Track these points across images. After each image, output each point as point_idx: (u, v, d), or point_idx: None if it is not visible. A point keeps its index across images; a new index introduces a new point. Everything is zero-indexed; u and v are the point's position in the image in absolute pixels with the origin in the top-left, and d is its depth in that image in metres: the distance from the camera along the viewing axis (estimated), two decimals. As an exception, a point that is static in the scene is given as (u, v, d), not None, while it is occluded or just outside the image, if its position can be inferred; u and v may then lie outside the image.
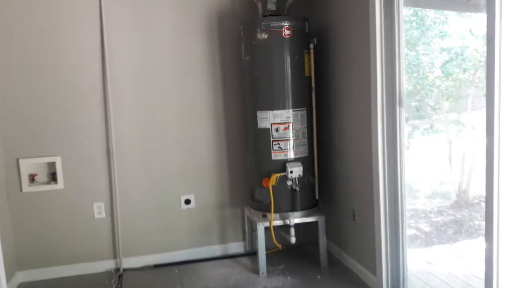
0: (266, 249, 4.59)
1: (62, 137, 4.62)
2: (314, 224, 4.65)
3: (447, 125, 4.34)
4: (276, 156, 4.49)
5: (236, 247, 5.16)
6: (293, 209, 4.56)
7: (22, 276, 4.68)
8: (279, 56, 4.44)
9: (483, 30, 2.83)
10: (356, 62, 4.18)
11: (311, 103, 4.60)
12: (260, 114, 4.49)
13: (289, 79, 4.44)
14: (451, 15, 4.04)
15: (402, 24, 3.70)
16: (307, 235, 4.99)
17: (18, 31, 4.44)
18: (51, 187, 4.66)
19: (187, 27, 4.79)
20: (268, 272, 4.59)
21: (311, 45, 4.53)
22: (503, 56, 2.74)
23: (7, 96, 4.48)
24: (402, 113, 3.78)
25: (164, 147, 4.85)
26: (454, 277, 4.04)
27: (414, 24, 4.19)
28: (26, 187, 4.61)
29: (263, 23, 4.39)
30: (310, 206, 4.67)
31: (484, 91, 2.85)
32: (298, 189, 4.50)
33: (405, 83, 3.79)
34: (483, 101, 2.87)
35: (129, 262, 4.85)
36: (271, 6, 4.55)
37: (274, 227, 4.54)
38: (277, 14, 4.54)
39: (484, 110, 2.86)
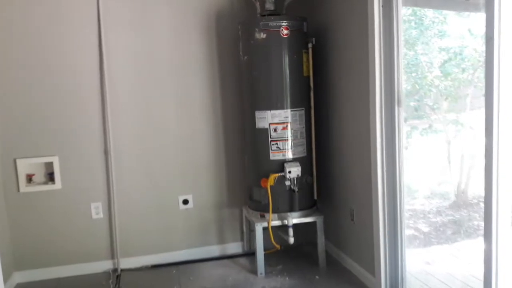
0: (264, 250, 4.58)
1: (59, 137, 4.61)
2: (312, 225, 4.64)
3: (446, 125, 4.33)
4: (274, 156, 4.48)
5: (234, 247, 5.15)
6: (291, 209, 4.55)
7: (20, 277, 4.67)
8: (277, 56, 4.43)
9: (482, 29, 2.82)
10: (354, 62, 4.17)
11: (309, 103, 4.59)
12: (258, 114, 4.48)
13: (287, 79, 4.43)
14: (450, 14, 4.03)
15: (400, 23, 3.69)
16: (305, 236, 4.98)
17: (16, 31, 4.43)
18: (49, 187, 4.64)
19: (185, 27, 4.78)
20: (266, 272, 4.58)
21: (310, 45, 4.52)
22: (502, 56, 2.73)
23: (4, 96, 4.46)
24: (401, 113, 3.78)
25: (162, 147, 4.84)
26: (453, 277, 4.04)
27: (412, 23, 4.18)
28: (24, 187, 4.60)
29: (261, 23, 4.38)
30: (308, 206, 4.66)
31: (483, 91, 2.84)
32: (297, 189, 4.49)
33: (403, 83, 3.78)
34: (482, 101, 2.86)
35: (127, 262, 4.84)
36: (269, 6, 4.54)
37: (272, 227, 4.52)
38: (275, 13, 4.54)
39: (483, 110, 2.85)
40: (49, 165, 4.64)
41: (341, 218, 4.68)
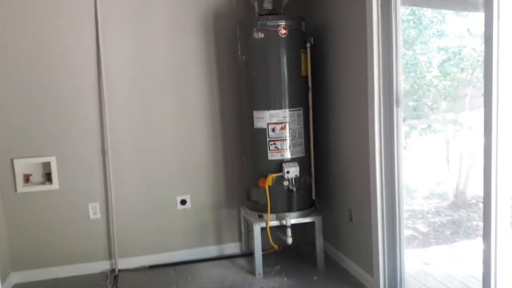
0: (263, 250, 4.56)
1: (57, 137, 4.59)
2: (310, 225, 4.63)
3: (444, 125, 4.33)
4: (272, 156, 4.47)
5: (232, 247, 5.13)
6: (290, 210, 4.53)
7: (17, 277, 4.65)
8: (275, 56, 4.41)
9: (481, 29, 2.82)
10: (353, 62, 4.16)
11: (307, 103, 4.58)
12: (256, 114, 4.46)
13: (286, 79, 4.42)
14: (449, 14, 4.03)
15: (399, 23, 3.68)
16: (304, 236, 4.97)
17: (13, 31, 4.41)
18: (46, 187, 4.63)
19: (183, 26, 4.77)
20: (264, 273, 4.57)
21: (308, 45, 4.51)
22: (501, 55, 2.72)
23: (1, 96, 4.45)
24: (400, 113, 3.76)
25: (160, 147, 4.83)
26: (451, 278, 4.04)
27: (411, 23, 4.18)
28: (21, 188, 4.58)
29: (259, 22, 4.36)
30: (306, 207, 4.65)
31: (482, 91, 2.83)
32: (295, 190, 4.48)
33: (402, 83, 3.77)
34: (481, 100, 2.85)
35: (125, 262, 4.83)
36: (268, 5, 4.52)
37: (271, 227, 4.52)
38: (274, 13, 4.53)
39: (482, 110, 2.84)
40: (47, 165, 4.62)
41: (339, 218, 4.67)
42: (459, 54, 3.93)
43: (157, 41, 4.73)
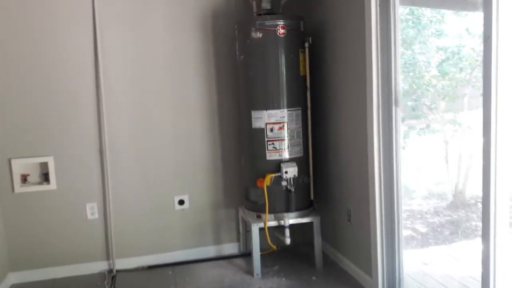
0: (261, 250, 4.55)
1: (54, 137, 4.57)
2: (309, 225, 4.62)
3: (443, 125, 4.32)
4: (270, 156, 4.46)
5: (231, 248, 5.12)
6: (288, 210, 4.52)
7: (15, 278, 4.64)
8: (273, 55, 4.40)
9: (480, 29, 2.82)
10: (351, 61, 4.15)
11: (306, 102, 4.57)
12: (254, 114, 4.45)
13: (284, 79, 4.41)
14: (448, 13, 4.03)
15: (398, 23, 3.68)
16: (302, 236, 4.95)
17: (11, 32, 4.39)
18: (44, 187, 4.61)
19: (181, 26, 4.76)
20: (262, 273, 4.55)
21: (306, 44, 4.50)
22: (500, 55, 2.72)
23: (-2, 96, 4.44)
24: (398, 113, 3.76)
25: (158, 147, 4.82)
26: (450, 278, 4.03)
27: (410, 23, 4.17)
28: (18, 188, 4.56)
29: (257, 22, 4.35)
30: (305, 207, 4.64)
31: (481, 91, 2.83)
32: (293, 190, 4.47)
33: (401, 83, 3.76)
34: (479, 100, 2.85)
35: (123, 263, 4.81)
36: (266, 5, 4.51)
37: (269, 228, 4.50)
38: (272, 13, 4.51)
39: (480, 110, 2.84)
40: (44, 165, 4.60)
41: (338, 218, 4.66)
42: (458, 53, 3.92)
43: (155, 41, 4.72)
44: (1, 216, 4.54)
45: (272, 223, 4.51)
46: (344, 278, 4.44)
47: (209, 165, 4.98)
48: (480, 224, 2.98)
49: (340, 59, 4.37)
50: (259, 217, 4.54)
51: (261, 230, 4.50)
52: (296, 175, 4.43)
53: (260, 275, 4.53)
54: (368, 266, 4.12)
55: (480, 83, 2.89)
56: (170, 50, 4.76)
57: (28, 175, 4.61)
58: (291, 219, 4.50)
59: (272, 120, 4.41)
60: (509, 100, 2.75)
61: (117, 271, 4.77)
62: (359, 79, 3.98)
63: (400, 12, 3.73)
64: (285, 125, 4.44)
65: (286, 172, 4.39)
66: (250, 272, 4.61)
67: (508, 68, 2.72)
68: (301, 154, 4.55)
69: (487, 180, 2.84)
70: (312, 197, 4.71)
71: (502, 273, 2.92)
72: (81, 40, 4.54)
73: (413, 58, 4.20)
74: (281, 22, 4.34)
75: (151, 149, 4.80)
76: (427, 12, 4.13)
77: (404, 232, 4.00)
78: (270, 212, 4.47)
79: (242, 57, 4.53)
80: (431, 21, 4.14)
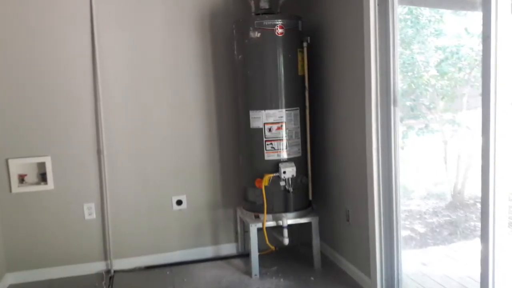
0: (259, 251, 4.55)
1: (52, 137, 4.56)
2: (307, 225, 4.61)
3: (442, 124, 4.31)
4: (269, 156, 4.45)
5: (229, 248, 5.11)
6: (286, 210, 4.52)
7: (12, 278, 4.62)
8: (272, 55, 4.40)
9: (479, 28, 2.81)
10: (350, 61, 4.14)
11: (304, 102, 4.57)
12: (252, 114, 4.44)
13: (282, 78, 4.40)
14: (447, 13, 4.02)
15: (396, 22, 3.67)
16: (300, 236, 4.94)
17: (7, 31, 4.38)
18: (41, 187, 4.60)
19: (179, 26, 4.75)
20: (260, 273, 4.55)
21: (305, 44, 4.49)
22: (499, 55, 2.72)
23: (-4, 96, 4.43)
24: (397, 113, 3.75)
25: (156, 147, 4.81)
26: (449, 278, 4.02)
27: (408, 22, 4.16)
28: (16, 188, 4.55)
29: (255, 22, 4.34)
30: (303, 207, 4.63)
31: (480, 90, 2.83)
32: (291, 190, 4.46)
33: (399, 82, 3.76)
34: (478, 100, 2.85)
35: (120, 263, 4.80)
36: (264, 5, 4.51)
37: (267, 228, 4.49)
38: (270, 12, 4.50)
39: (479, 110, 2.83)
40: (42, 165, 4.59)
41: (336, 218, 4.65)
42: (457, 53, 3.91)
43: (153, 40, 4.71)
44: (-2, 216, 4.54)
45: (270, 224, 4.50)
46: (342, 278, 4.44)
47: (207, 165, 4.97)
48: (479, 224, 2.97)
49: (339, 58, 4.36)
50: (257, 217, 4.54)
51: (259, 230, 4.50)
52: (295, 175, 4.42)
53: (258, 276, 4.52)
54: (367, 266, 4.11)
55: (479, 83, 2.88)
56: (168, 50, 4.75)
57: (26, 175, 4.60)
58: (289, 220, 4.49)
59: (270, 120, 4.40)
60: (508, 100, 2.74)
61: (114, 271, 4.76)
62: (357, 78, 3.98)
63: (399, 11, 3.73)
64: (284, 125, 4.43)
65: (284, 172, 4.38)
66: (248, 272, 4.60)
67: (507, 68, 2.72)
68: (299, 154, 4.54)
69: (486, 180, 2.84)
70: (310, 197, 4.71)
71: (501, 273, 2.92)
72: (79, 40, 4.54)
73: (412, 57, 4.19)
74: (279, 22, 4.34)
75: (149, 149, 4.79)
76: (425, 12, 4.12)
77: (403, 233, 3.99)
78: (268, 213, 4.46)
79: (240, 56, 4.52)
80: (429, 21, 4.13)
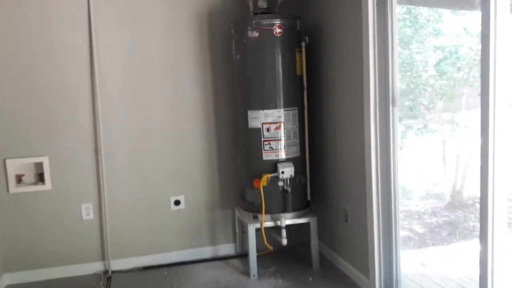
0: (257, 251, 4.54)
1: (49, 137, 4.56)
2: (305, 226, 4.60)
3: (441, 124, 4.29)
4: (267, 156, 4.44)
5: (227, 248, 5.10)
6: (285, 210, 4.51)
7: (9, 278, 4.61)
8: (270, 55, 4.39)
9: (478, 28, 2.81)
10: (348, 61, 4.13)
11: (302, 102, 4.56)
12: (251, 114, 4.44)
13: (281, 78, 4.39)
14: (445, 13, 4.00)
15: (395, 22, 3.67)
16: (299, 237, 4.93)
17: (4, 30, 4.37)
18: (39, 187, 4.59)
19: (177, 25, 4.74)
20: (259, 274, 4.54)
21: (303, 44, 4.49)
22: (498, 54, 2.72)
23: (-7, 95, 4.41)
24: (395, 113, 3.75)
25: (154, 147, 4.80)
26: (448, 279, 4.01)
27: (407, 22, 4.15)
28: (13, 188, 4.54)
29: (254, 21, 4.33)
30: (301, 207, 4.62)
31: (479, 90, 2.82)
32: (290, 190, 4.45)
33: (398, 82, 3.75)
34: (477, 100, 2.84)
35: (118, 264, 4.80)
36: (262, 4, 4.50)
37: (265, 228, 4.49)
38: (268, 12, 4.50)
39: (478, 110, 2.83)
40: (39, 166, 4.58)
41: (335, 219, 4.64)
42: (456, 53, 3.90)
43: (150, 40, 4.70)
44: (-4, 216, 4.53)
45: (269, 224, 4.50)
46: (341, 279, 4.43)
47: (205, 165, 4.96)
48: (478, 224, 2.97)
49: (337, 58, 4.35)
50: (255, 217, 4.53)
51: (258, 230, 4.49)
52: (293, 175, 4.42)
53: (256, 276, 4.52)
54: (365, 266, 4.10)
55: (478, 83, 2.87)
56: (165, 49, 4.74)
57: (23, 175, 4.59)
58: (287, 220, 4.49)
59: (269, 120, 4.40)
60: (506, 100, 2.74)
61: (112, 272, 4.76)
62: (356, 78, 3.97)
63: (398, 11, 3.72)
64: (282, 125, 4.42)
65: (282, 172, 4.38)
66: (246, 273, 4.59)
67: (506, 67, 2.72)
68: (297, 154, 4.53)
69: (485, 180, 2.84)
70: (308, 198, 4.71)
71: (500, 273, 2.92)
72: (77, 40, 4.53)
73: (411, 57, 4.17)
74: (277, 22, 4.33)
75: (147, 149, 4.79)
76: (424, 11, 4.11)
77: (402, 233, 3.98)
78: (266, 213, 4.46)
79: (238, 56, 4.51)
80: (428, 20, 4.11)
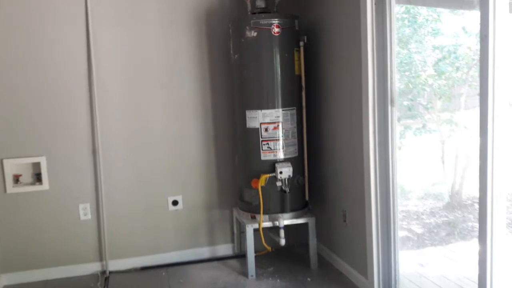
0: (255, 251, 4.53)
1: (47, 137, 4.54)
2: (304, 226, 4.60)
3: (439, 124, 4.28)
4: (265, 156, 4.43)
5: (225, 249, 5.10)
6: (283, 211, 4.50)
7: (6, 279, 4.60)
8: (268, 55, 4.38)
9: (477, 27, 2.80)
10: (347, 61, 4.12)
11: (301, 102, 4.55)
12: (249, 114, 4.42)
13: (279, 78, 4.38)
14: (444, 12, 3.99)
15: (394, 21, 3.66)
16: (297, 237, 4.92)
17: (1, 30, 4.36)
18: (36, 188, 4.58)
19: (175, 25, 4.73)
20: (257, 274, 4.54)
21: (301, 43, 4.48)
22: (496, 54, 2.72)
23: (-10, 95, 4.40)
24: (394, 113, 3.74)
25: (151, 147, 4.79)
26: (447, 279, 4.01)
27: (406, 21, 4.14)
28: (11, 188, 4.53)
29: (252, 21, 4.32)
30: (300, 208, 4.61)
31: (478, 90, 2.82)
32: (288, 190, 4.44)
33: (397, 82, 3.75)
34: (476, 100, 2.83)
35: (116, 264, 4.79)
36: (260, 3, 4.49)
37: (263, 228, 4.49)
38: (266, 11, 4.49)
39: (477, 109, 2.82)
40: (37, 166, 4.57)
41: (333, 219, 4.63)
42: (455, 53, 3.89)
43: (148, 39, 4.69)
44: (-7, 216, 4.51)
45: (267, 224, 4.49)
46: (339, 279, 4.43)
47: (203, 166, 4.95)
48: (476, 225, 2.97)
49: (336, 58, 4.34)
50: (253, 218, 4.52)
51: (256, 231, 4.49)
52: (291, 175, 4.40)
53: (254, 277, 4.51)
54: (364, 267, 4.10)
55: (476, 83, 2.86)
56: (163, 49, 4.73)
57: (20, 175, 4.59)
58: (286, 220, 4.48)
59: (267, 120, 4.39)
60: (505, 100, 2.73)
61: (110, 272, 4.75)
62: (354, 78, 3.96)
63: (396, 10, 3.72)
64: (280, 125, 4.41)
65: (281, 173, 4.37)
66: (244, 273, 4.59)
67: (504, 67, 2.71)
68: (296, 154, 4.52)
69: (484, 181, 2.83)
70: (307, 198, 4.70)
71: (499, 274, 2.91)
72: (74, 40, 4.52)
73: (409, 57, 4.16)
74: (275, 21, 4.32)
75: (145, 149, 4.78)
76: (423, 11, 4.10)
77: (400, 233, 3.98)
78: (264, 213, 4.45)
79: (236, 56, 4.50)
80: (427, 20, 4.10)
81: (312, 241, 4.60)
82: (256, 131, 4.41)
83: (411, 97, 4.28)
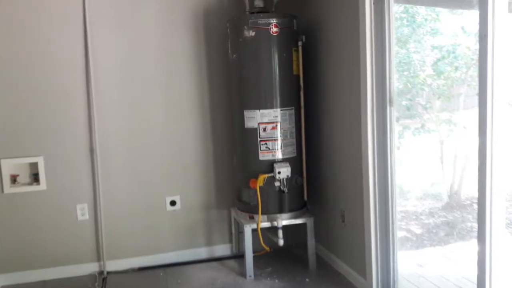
0: (254, 252, 4.53)
1: (44, 137, 4.53)
2: (302, 226, 4.59)
3: (438, 124, 4.28)
4: (263, 156, 4.42)
5: (223, 249, 5.09)
6: (281, 211, 4.49)
7: (4, 279, 4.58)
8: (266, 54, 4.37)
9: (476, 27, 2.79)
10: (345, 60, 4.12)
11: (299, 102, 4.54)
12: (247, 114, 4.41)
13: (277, 78, 4.37)
14: (443, 12, 3.99)
15: (392, 21, 3.66)
16: (295, 237, 4.90)
17: (-1, 29, 4.35)
18: (33, 188, 4.57)
19: (173, 25, 4.72)
20: (255, 275, 4.52)
21: (300, 43, 4.47)
22: (495, 54, 2.70)
23: (-13, 95, 4.39)
24: (393, 113, 3.73)
25: (149, 147, 4.78)
26: (445, 280, 4.01)
27: (405, 21, 4.14)
28: (8, 188, 4.52)
29: (250, 20, 4.31)
30: (298, 208, 4.60)
31: (477, 90, 2.81)
32: (286, 190, 4.43)
33: (395, 82, 3.74)
34: (475, 100, 2.83)
35: (113, 264, 4.78)
36: (259, 3, 4.48)
37: (262, 229, 4.48)
38: (265, 11, 4.48)
39: (476, 109, 2.81)
40: (34, 166, 4.56)
41: (331, 219, 4.63)
42: (453, 52, 3.88)
43: (146, 39, 4.68)
44: (-10, 217, 4.50)
45: (265, 224, 4.48)
46: (337, 279, 4.42)
47: (201, 166, 4.94)
48: (475, 225, 2.96)
49: (334, 58, 4.33)
50: (251, 218, 4.51)
51: (254, 231, 4.48)
52: (289, 175, 4.39)
53: (252, 277, 4.50)
54: (362, 267, 4.09)
55: (475, 82, 2.86)
56: (161, 49, 4.72)
57: (18, 175, 4.57)
58: (284, 220, 4.47)
59: (265, 120, 4.38)
60: (504, 100, 2.72)
61: (108, 272, 4.74)
62: (353, 78, 3.95)
63: (395, 10, 3.71)
64: (278, 124, 4.40)
65: (279, 173, 4.36)
66: (242, 274, 4.58)
67: (503, 67, 2.70)
68: (294, 154, 4.51)
69: (482, 181, 2.82)
70: (305, 198, 4.69)
71: (498, 274, 2.91)
72: (72, 39, 4.51)
73: (408, 57, 4.16)
74: (274, 21, 4.31)
75: (142, 149, 4.77)
76: (422, 10, 4.10)
77: (399, 233, 3.98)
78: (263, 213, 4.44)
79: (234, 56, 4.49)
80: (426, 20, 4.10)
81: (311, 242, 4.59)
82: (254, 131, 4.40)
83: (409, 97, 4.28)
